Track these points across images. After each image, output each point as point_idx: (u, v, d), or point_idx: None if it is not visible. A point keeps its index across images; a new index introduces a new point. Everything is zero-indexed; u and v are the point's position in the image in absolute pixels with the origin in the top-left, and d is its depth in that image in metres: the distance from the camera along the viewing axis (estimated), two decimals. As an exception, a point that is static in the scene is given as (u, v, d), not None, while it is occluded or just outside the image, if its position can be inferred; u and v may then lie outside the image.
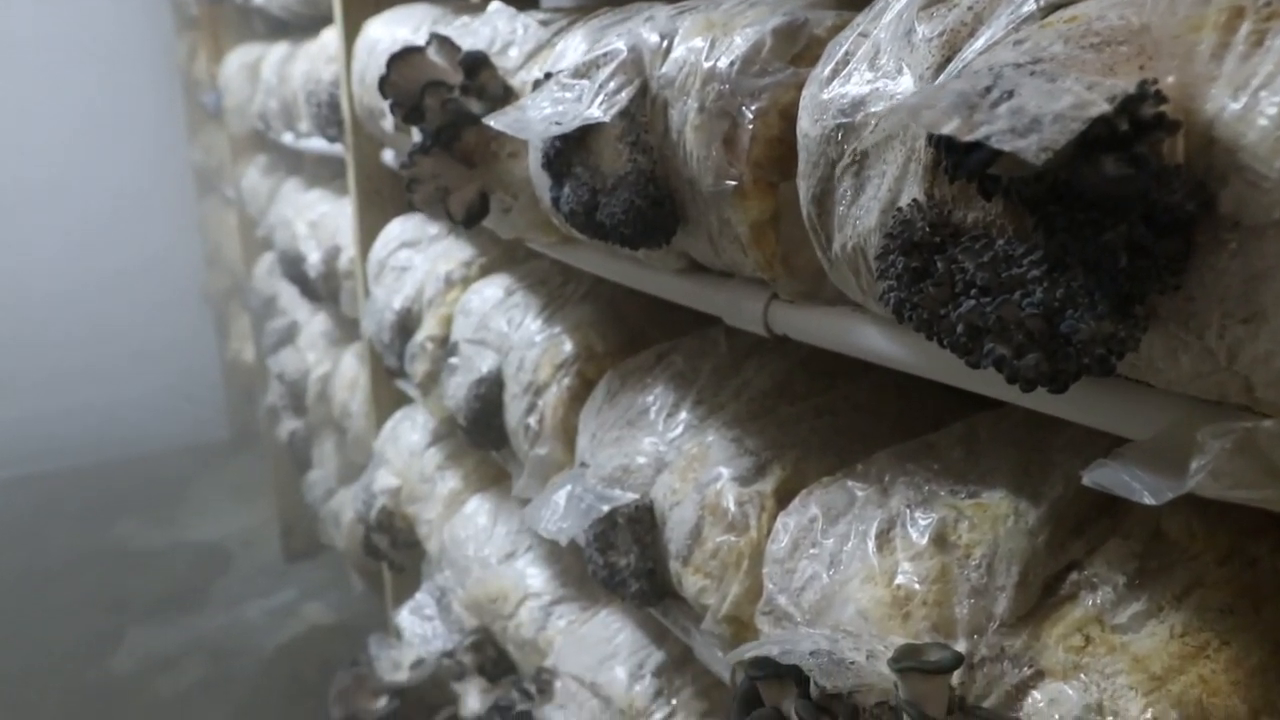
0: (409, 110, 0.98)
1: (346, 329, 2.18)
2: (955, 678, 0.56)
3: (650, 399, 0.95)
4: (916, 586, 0.61)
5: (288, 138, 2.19)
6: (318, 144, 1.90)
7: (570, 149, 0.79)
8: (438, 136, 0.99)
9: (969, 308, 0.46)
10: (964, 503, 0.64)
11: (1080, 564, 0.60)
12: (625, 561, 0.89)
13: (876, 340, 0.64)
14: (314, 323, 2.28)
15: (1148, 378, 0.47)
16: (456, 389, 1.22)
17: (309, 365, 2.15)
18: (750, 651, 0.59)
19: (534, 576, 1.26)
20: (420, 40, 1.07)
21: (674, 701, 0.99)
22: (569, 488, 0.92)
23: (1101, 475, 0.42)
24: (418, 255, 1.48)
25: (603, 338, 1.13)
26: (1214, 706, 0.51)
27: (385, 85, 0.99)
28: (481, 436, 1.20)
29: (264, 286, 2.68)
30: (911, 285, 0.49)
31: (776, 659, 0.58)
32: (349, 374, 1.96)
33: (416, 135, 1.05)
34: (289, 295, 2.51)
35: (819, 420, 0.87)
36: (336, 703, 1.48)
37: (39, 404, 3.93)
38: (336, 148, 1.77)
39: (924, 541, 0.62)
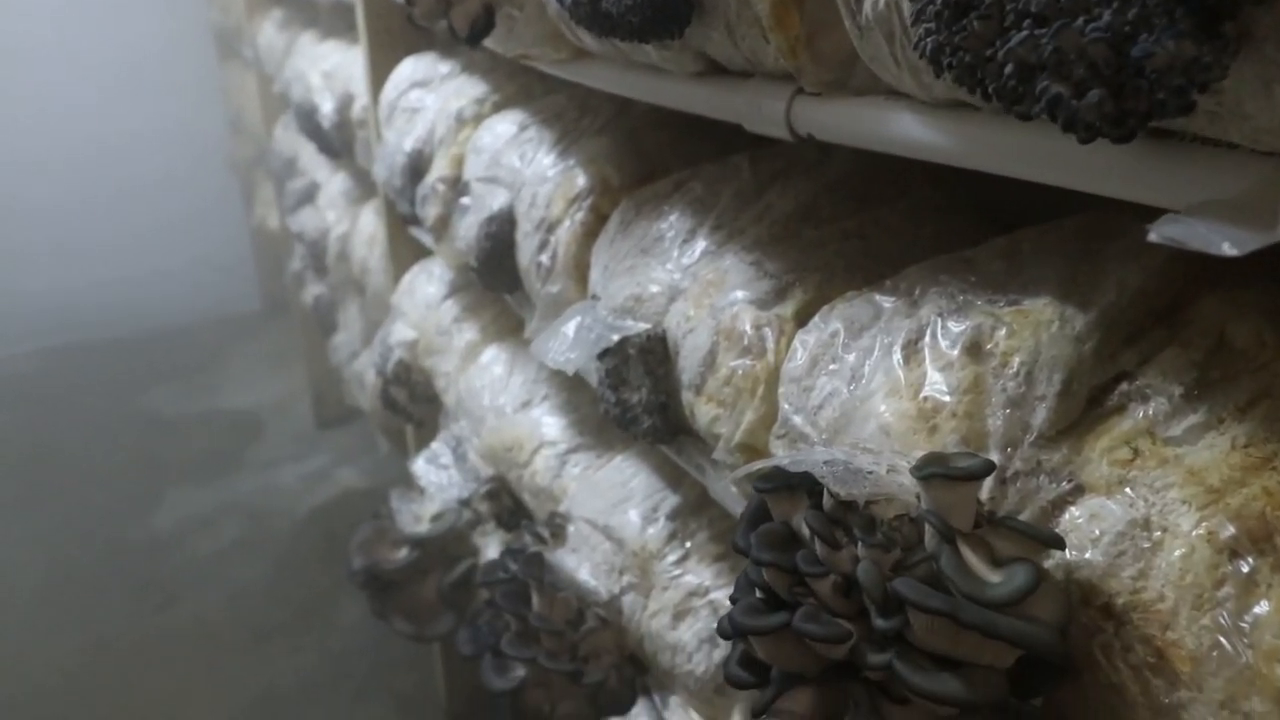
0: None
1: (365, 186, 2.12)
2: (984, 490, 0.51)
3: (666, 226, 0.88)
4: (945, 398, 0.55)
5: (299, -17, 2.09)
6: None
7: (573, -70, 0.71)
8: (438, -62, 0.91)
9: (1020, 40, 0.38)
10: (1003, 310, 0.57)
11: (1131, 375, 0.54)
12: (637, 397, 0.85)
13: (911, 127, 0.57)
14: (333, 182, 2.21)
15: (1230, 131, 0.39)
16: (468, 229, 1.16)
17: (329, 225, 2.10)
18: (759, 466, 0.54)
19: (549, 425, 1.22)
20: None
21: (688, 545, 0.96)
22: (578, 319, 0.87)
23: (1172, 229, 0.35)
24: (429, 95, 1.40)
25: (619, 170, 1.05)
26: (1279, 520, 0.45)
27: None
28: (493, 278, 1.14)
29: (284, 147, 2.61)
30: (953, 24, 0.41)
31: (787, 470, 0.53)
32: (367, 230, 1.91)
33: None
34: (308, 155, 2.44)
35: (845, 243, 0.80)
36: (358, 553, 1.48)
37: (73, 275, 3.94)
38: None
39: (956, 351, 0.56)
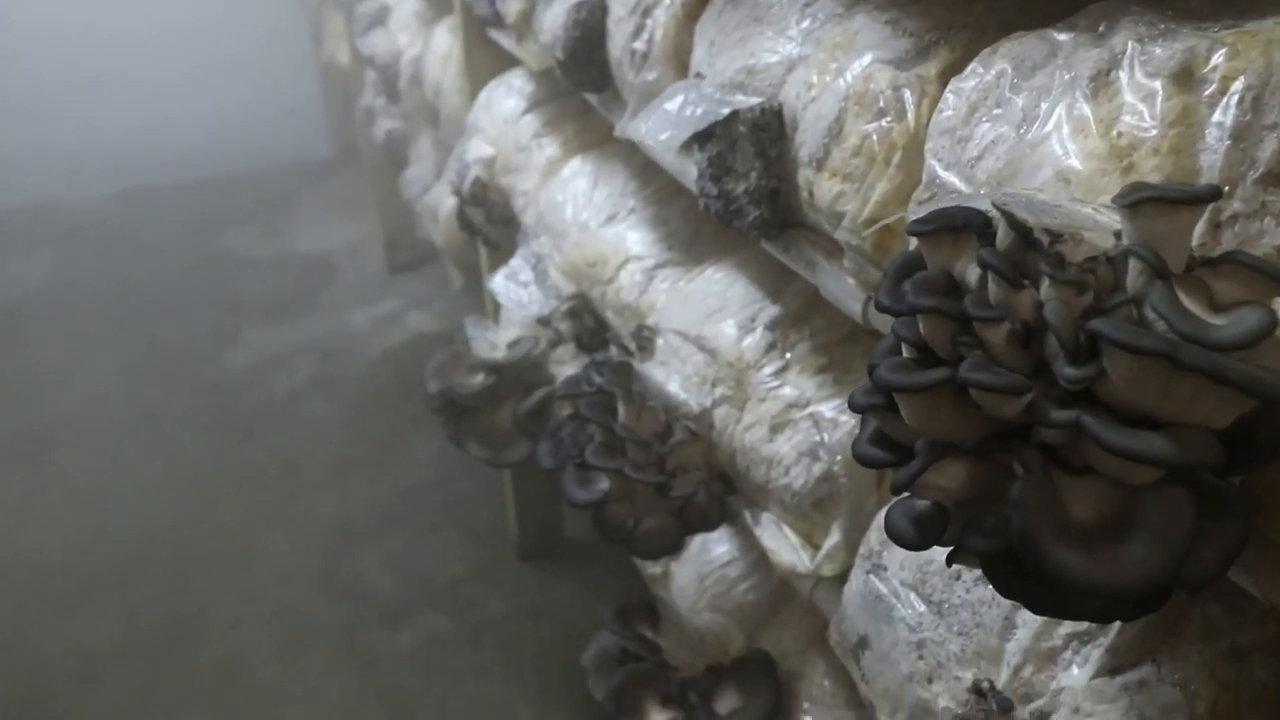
0: None
1: (438, 6, 2.01)
2: (1196, 232, 0.42)
3: (781, -10, 0.78)
4: (1147, 132, 0.45)
5: None
6: None
7: None
8: None
9: None
10: (1220, 33, 0.47)
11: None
12: (744, 185, 0.76)
13: None
14: (404, 3, 2.10)
15: None
16: (553, 20, 1.06)
17: (400, 47, 2.00)
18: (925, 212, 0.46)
19: (636, 240, 1.15)
20: None
21: (788, 355, 0.89)
22: (681, 96, 0.78)
23: None
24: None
25: (725, -57, 0.94)
26: None
27: None
28: (581, 73, 1.05)
29: (353, -28, 2.49)
30: None
31: (951, 209, 0.44)
32: (441, 49, 1.81)
33: None
34: (378, -21, 2.33)
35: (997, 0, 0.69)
36: (433, 377, 1.45)
37: (143, 117, 3.93)
38: None
39: (1159, 80, 0.46)
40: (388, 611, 2.01)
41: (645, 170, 1.21)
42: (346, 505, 2.29)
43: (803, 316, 0.92)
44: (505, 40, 1.35)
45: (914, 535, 0.45)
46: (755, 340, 0.90)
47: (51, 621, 2.00)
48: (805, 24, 0.74)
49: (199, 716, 1.79)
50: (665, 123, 0.75)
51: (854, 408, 0.49)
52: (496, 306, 1.77)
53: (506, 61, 1.54)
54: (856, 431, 0.81)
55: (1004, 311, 0.40)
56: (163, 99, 3.92)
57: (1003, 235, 0.42)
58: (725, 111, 0.72)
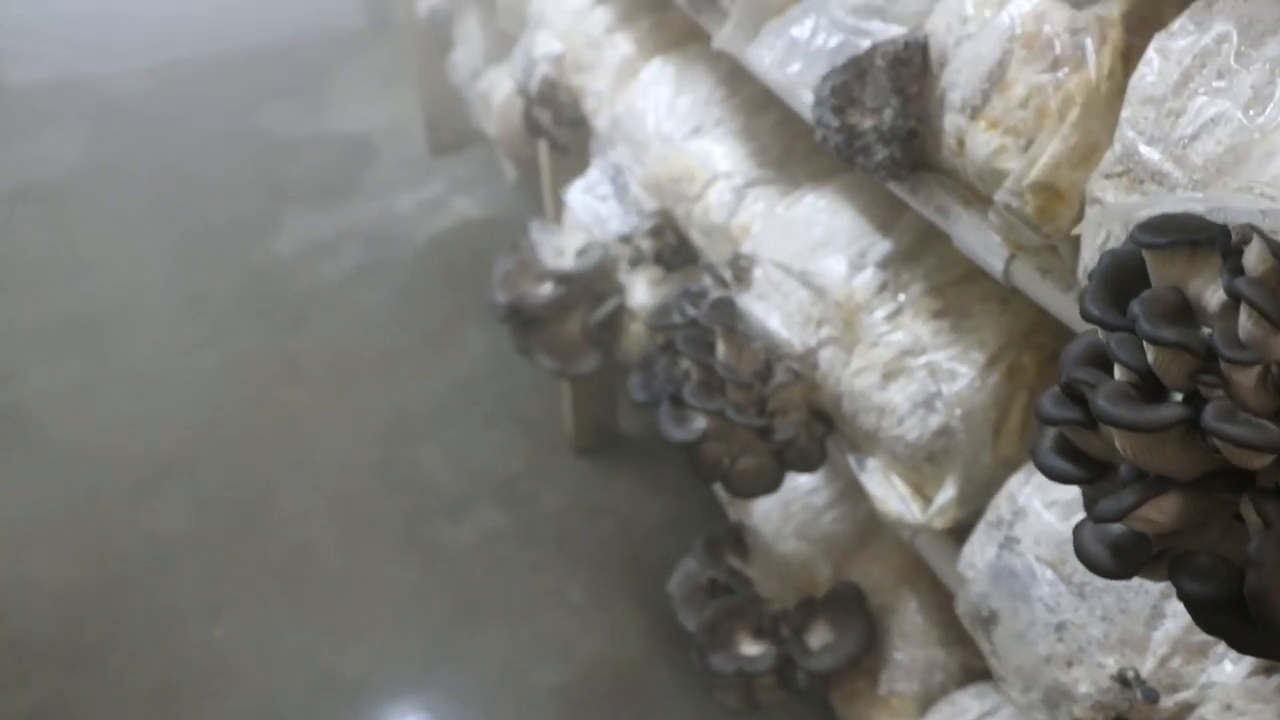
0: None
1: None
2: None
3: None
4: None
5: None
6: None
7: None
8: None
9: None
10: None
11: None
12: (873, 121, 0.70)
13: None
14: None
15: None
16: (643, -88, 0.97)
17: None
18: (1141, 211, 0.41)
19: (724, 156, 1.08)
20: None
21: (901, 298, 0.84)
22: (810, 20, 0.71)
23: None
24: None
25: None
26: None
27: None
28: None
29: None
30: None
31: (1183, 221, 0.39)
32: (496, -73, 1.69)
33: None
34: None
35: (1188, -78, 0.60)
36: (500, 287, 1.41)
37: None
38: None
39: None
40: (447, 504, 2.04)
41: (732, 76, 1.13)
42: (401, 396, 2.30)
43: (915, 253, 0.87)
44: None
45: (1112, 565, 0.42)
46: (866, 279, 0.85)
47: (122, 509, 2.04)
48: (955, -57, 0.66)
49: (272, 603, 1.85)
50: (794, 53, 0.68)
51: (1044, 419, 0.45)
52: (558, 206, 1.71)
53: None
54: (975, 382, 0.78)
55: (1260, 353, 0.36)
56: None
57: (1256, 259, 0.37)
58: (865, 44, 0.65)
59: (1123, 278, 0.42)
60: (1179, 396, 0.39)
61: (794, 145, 1.06)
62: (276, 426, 2.25)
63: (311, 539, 1.97)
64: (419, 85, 3.13)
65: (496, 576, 1.89)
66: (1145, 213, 0.41)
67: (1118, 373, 0.41)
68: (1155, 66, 0.49)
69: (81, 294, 2.67)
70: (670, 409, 0.92)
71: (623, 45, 1.27)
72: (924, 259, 0.86)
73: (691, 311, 0.94)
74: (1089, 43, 0.56)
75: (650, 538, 1.96)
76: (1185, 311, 0.39)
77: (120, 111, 3.50)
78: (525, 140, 1.83)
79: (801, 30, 0.69)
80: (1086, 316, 0.42)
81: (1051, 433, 0.47)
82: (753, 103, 1.10)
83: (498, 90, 1.94)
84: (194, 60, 3.78)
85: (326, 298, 2.61)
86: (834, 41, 0.67)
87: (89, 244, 2.85)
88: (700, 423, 0.91)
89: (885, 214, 0.89)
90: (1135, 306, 0.39)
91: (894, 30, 0.66)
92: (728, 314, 0.88)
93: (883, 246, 0.87)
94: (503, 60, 2.01)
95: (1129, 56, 0.56)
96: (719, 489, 1.02)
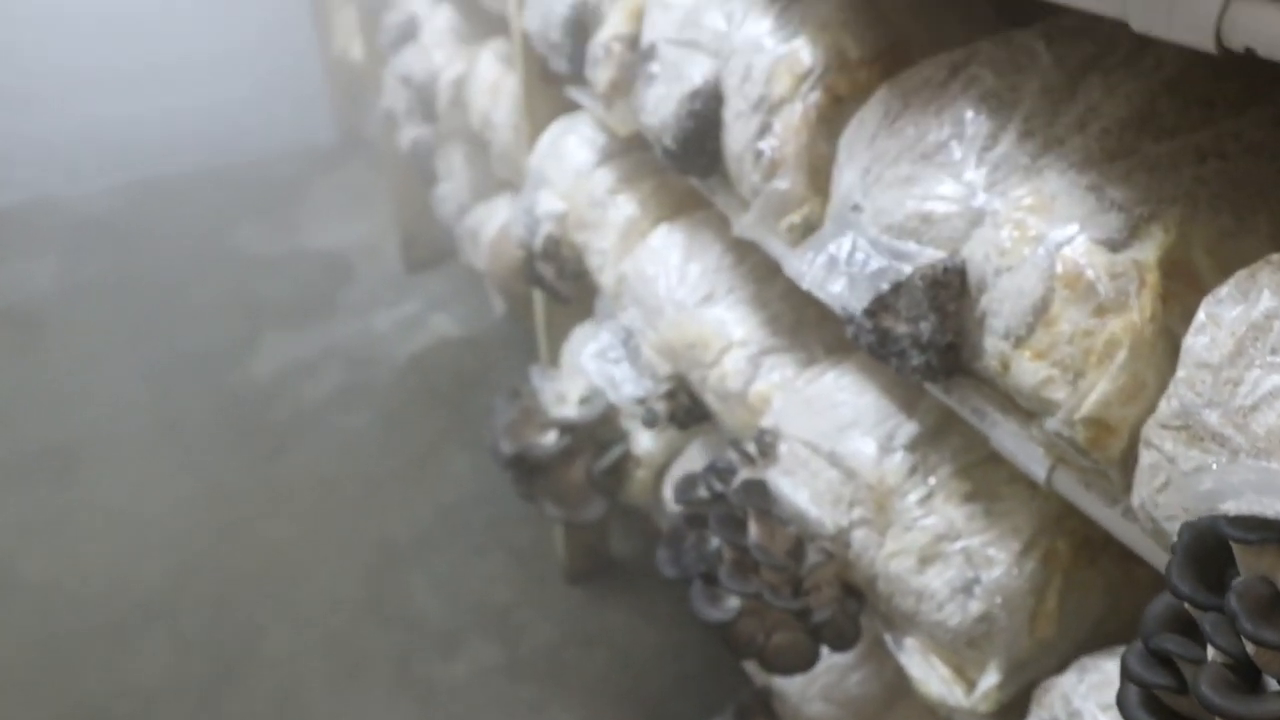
0: None
1: (478, 23, 1.93)
2: None
3: (952, 126, 0.74)
4: None
5: None
6: None
7: None
8: None
9: None
10: None
11: None
12: (908, 329, 0.73)
13: None
14: (437, 16, 2.03)
15: None
16: (661, 103, 1.01)
17: (437, 66, 1.93)
18: (1207, 482, 0.43)
19: (737, 323, 1.11)
20: None
21: (931, 481, 0.87)
22: (846, 238, 0.74)
23: None
24: (590, -69, 1.21)
25: (858, 41, 0.89)
26: None
27: None
28: (691, 161, 1.01)
29: (374, -28, 2.40)
30: None
31: (1272, 520, 0.42)
32: (488, 76, 1.75)
33: None
34: (405, -17, 2.24)
35: (1202, 166, 0.65)
36: (504, 436, 1.42)
37: (141, 105, 3.80)
38: None
39: None
40: (438, 639, 2.00)
41: (739, 243, 1.17)
42: (387, 524, 2.27)
43: (940, 433, 0.89)
44: (583, 98, 1.30)
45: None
46: (896, 463, 0.87)
47: (99, 655, 1.98)
48: (985, 171, 0.70)
49: (263, 755, 1.79)
50: (834, 272, 0.71)
51: (1134, 680, 0.47)
52: (552, 349, 1.73)
53: (568, 103, 1.49)
54: (1012, 569, 0.80)
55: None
56: (162, 88, 3.80)
57: (1350, 564, 0.39)
58: (907, 269, 0.68)
59: (1205, 552, 0.45)
60: (1275, 684, 0.41)
61: (805, 313, 1.10)
62: (259, 560, 2.21)
63: (299, 682, 1.92)
64: (394, 203, 3.17)
65: (493, 716, 1.86)
66: (1212, 483, 0.43)
67: (1211, 653, 0.43)
68: (1208, 333, 0.52)
69: (54, 423, 2.63)
70: (703, 588, 0.93)
71: (626, 206, 1.31)
72: (949, 439, 0.89)
73: (719, 487, 0.96)
74: (1129, 287, 0.59)
75: (648, 668, 1.94)
76: (1277, 603, 0.42)
77: (91, 233, 3.49)
78: (517, 277, 1.86)
79: (839, 249, 0.73)
80: (1176, 594, 0.44)
81: (1138, 690, 0.48)
82: (762, 269, 1.14)
83: (487, 226, 1.98)
84: (165, 179, 3.80)
85: (306, 422, 2.59)
86: (874, 265, 0.70)
87: (62, 370, 2.81)
88: (734, 602, 0.91)
89: (908, 392, 0.92)
90: (1233, 601, 0.41)
91: (929, 253, 0.70)
92: (761, 497, 0.90)
93: (909, 428, 0.89)
94: (490, 196, 2.05)
95: (1167, 299, 0.60)
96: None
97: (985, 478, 0.86)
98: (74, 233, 3.48)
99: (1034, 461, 0.70)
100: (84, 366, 2.82)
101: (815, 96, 0.88)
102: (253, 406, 2.65)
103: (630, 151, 1.35)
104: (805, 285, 0.74)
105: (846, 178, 0.81)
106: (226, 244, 3.39)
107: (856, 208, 0.78)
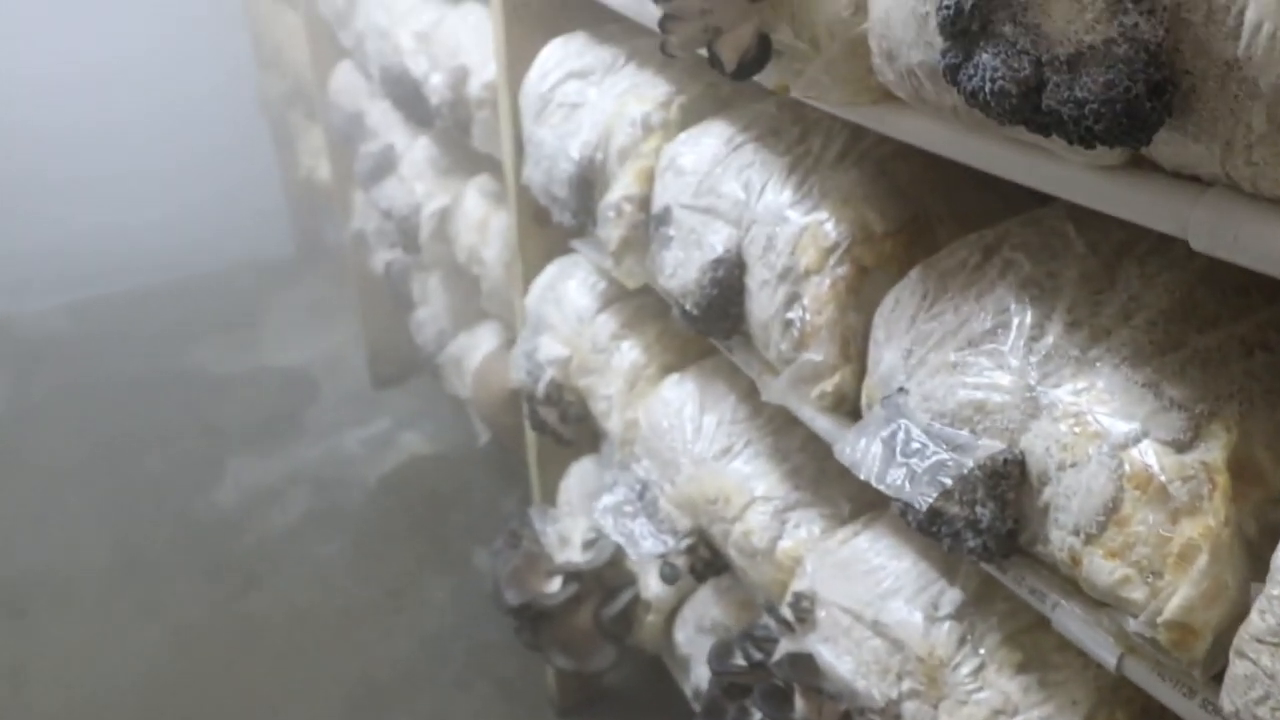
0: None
1: (460, 157, 1.95)
2: None
3: (995, 313, 0.76)
4: None
5: (378, -72, 1.88)
6: (431, -60, 1.60)
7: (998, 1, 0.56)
8: (719, -39, 0.75)
9: None
10: None
11: None
12: (965, 513, 0.73)
13: None
14: (415, 147, 2.04)
15: None
16: (681, 267, 1.03)
17: (418, 199, 1.94)
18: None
19: (758, 477, 1.11)
20: None
21: (981, 651, 0.86)
22: (896, 428, 0.75)
23: None
24: (592, 89, 1.24)
25: (882, 215, 0.92)
26: None
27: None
28: (714, 326, 1.02)
29: (344, 100, 2.41)
30: None
31: None
32: (475, 213, 1.76)
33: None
34: (379, 113, 2.26)
35: (1250, 360, 0.67)
36: (510, 585, 1.39)
37: (93, 221, 3.74)
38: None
39: None
40: (429, 787, 1.92)
41: (753, 393, 1.18)
42: (366, 660, 2.19)
43: (984, 598, 0.89)
44: (586, 250, 1.31)
45: None
46: (944, 634, 0.87)
47: (60, 824, 1.85)
48: (1035, 362, 0.72)
49: None
50: (891, 464, 0.72)
51: None
52: (545, 486, 1.71)
53: (561, 243, 1.50)
54: (1072, 744, 0.79)
55: None
56: (114, 200, 3.74)
57: None
58: (969, 464, 0.69)
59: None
60: None
61: (826, 465, 1.10)
62: (232, 705, 2.11)
63: (284, 844, 1.82)
64: (359, 317, 3.15)
65: None
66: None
67: None
68: (1302, 552, 0.53)
69: (6, 562, 2.50)
70: (751, 767, 0.90)
71: (630, 352, 1.32)
72: (993, 604, 0.89)
73: (757, 656, 0.94)
74: (1202, 490, 0.60)
75: (647, 807, 1.88)
76: None
77: (42, 354, 3.39)
78: (504, 409, 1.85)
79: (891, 436, 0.73)
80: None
81: None
82: (779, 419, 1.15)
83: (471, 355, 1.97)
84: (117, 295, 3.72)
85: (276, 552, 2.51)
86: (933, 457, 0.70)
87: (13, 505, 2.70)
88: (784, 781, 0.89)
89: (946, 557, 0.92)
90: None
91: (987, 444, 0.70)
92: (809, 672, 0.89)
93: (953, 595, 0.89)
94: (473, 325, 2.04)
95: (1237, 500, 0.61)
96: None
97: (1035, 645, 0.86)
98: (22, 355, 3.38)
99: (1102, 648, 0.70)
100: (36, 499, 2.70)
101: (843, 270, 0.90)
102: (218, 537, 2.56)
103: (631, 296, 1.36)
104: (862, 476, 0.74)
105: (887, 358, 0.82)
106: (185, 362, 3.31)
107: (902, 390, 0.79)
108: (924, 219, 0.93)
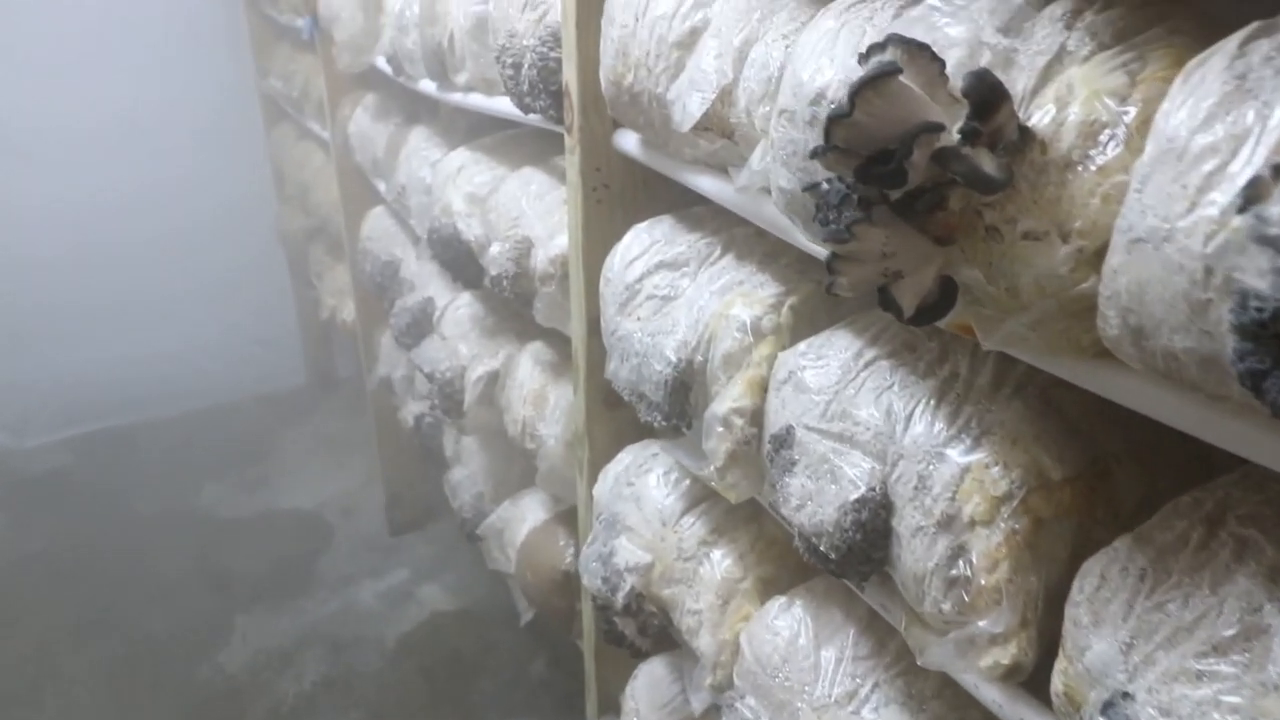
0: (877, 165, 0.64)
1: (506, 316, 1.86)
2: None
3: (1240, 618, 0.64)
4: None
5: (427, 85, 1.83)
6: (495, 105, 1.54)
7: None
8: (912, 202, 0.66)
9: None
10: None
11: None
12: None
13: None
14: (459, 304, 1.95)
15: None
16: (813, 501, 0.91)
17: (463, 360, 1.84)
18: None
19: (890, 728, 0.97)
20: (854, 40, 0.72)
21: None
22: (1140, 752, 0.62)
23: None
24: (686, 281, 1.15)
25: (1058, 459, 0.81)
26: None
27: (841, 126, 0.64)
28: (853, 570, 0.90)
29: (378, 248, 2.34)
30: None
31: None
32: (530, 384, 1.65)
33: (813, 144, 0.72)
34: (414, 263, 2.18)
35: None
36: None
37: (99, 353, 3.62)
38: (506, 108, 1.42)
39: None
40: None
41: (875, 622, 1.05)
42: None
43: None
44: (680, 455, 1.20)
45: None
46: None
47: None
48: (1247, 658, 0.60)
49: None
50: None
51: None
52: (603, 697, 1.56)
53: (632, 429, 1.39)
54: None
55: None
56: (117, 331, 3.63)
57: None
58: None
59: None
60: None
61: (967, 715, 0.97)
62: None
63: None
64: (376, 457, 3.02)
65: None
66: None
67: None
68: None
69: (-8, 736, 2.31)
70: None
71: (722, 562, 1.19)
72: None
73: None
74: None
75: None
76: None
77: (40, 494, 3.24)
78: (556, 592, 1.71)
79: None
80: None
81: None
82: (906, 658, 1.02)
83: (515, 528, 1.84)
84: (120, 431, 3.59)
85: (289, 726, 2.32)
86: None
87: (6, 666, 2.51)
88: None
89: None
90: None
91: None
92: None
93: None
94: (517, 493, 1.92)
95: None
96: None
97: None
98: (19, 495, 3.22)
99: None
100: (31, 660, 2.51)
101: (1019, 523, 0.79)
102: (225, 706, 2.37)
103: (720, 497, 1.24)
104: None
105: (1097, 648, 0.70)
106: (191, 505, 3.16)
107: (1127, 696, 0.67)
108: (1101, 460, 0.83)
